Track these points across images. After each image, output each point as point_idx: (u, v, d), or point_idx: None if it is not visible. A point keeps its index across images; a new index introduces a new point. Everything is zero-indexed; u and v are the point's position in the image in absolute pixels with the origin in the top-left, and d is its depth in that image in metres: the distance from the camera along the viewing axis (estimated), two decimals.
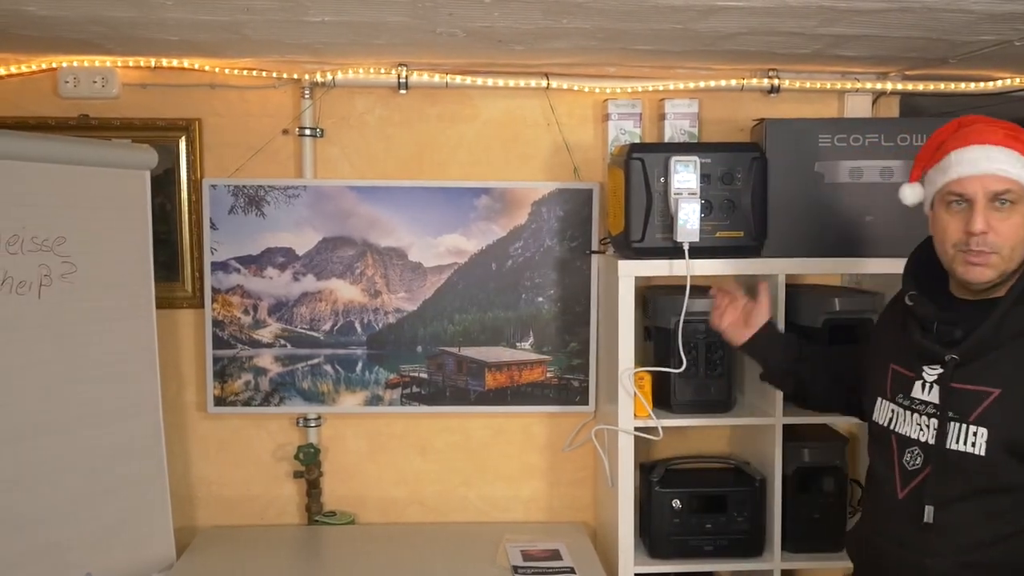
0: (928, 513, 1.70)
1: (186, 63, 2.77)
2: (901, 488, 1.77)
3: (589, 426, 2.93)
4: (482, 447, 3.02)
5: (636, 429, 2.56)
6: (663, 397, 2.61)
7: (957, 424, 1.69)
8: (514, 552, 2.68)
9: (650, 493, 2.65)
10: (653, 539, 2.63)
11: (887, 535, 1.81)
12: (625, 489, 2.57)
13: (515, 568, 2.57)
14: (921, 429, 1.75)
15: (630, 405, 2.55)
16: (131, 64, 2.77)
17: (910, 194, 1.85)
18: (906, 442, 1.78)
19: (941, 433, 1.70)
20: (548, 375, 2.94)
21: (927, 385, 1.76)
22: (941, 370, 1.73)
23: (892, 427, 1.81)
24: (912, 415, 1.77)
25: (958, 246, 1.70)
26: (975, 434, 1.67)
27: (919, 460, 1.74)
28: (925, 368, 1.76)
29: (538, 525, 2.98)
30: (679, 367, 2.53)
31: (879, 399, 1.87)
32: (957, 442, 1.69)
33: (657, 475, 2.67)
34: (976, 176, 1.67)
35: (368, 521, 3.01)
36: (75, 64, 2.76)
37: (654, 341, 2.68)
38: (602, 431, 2.78)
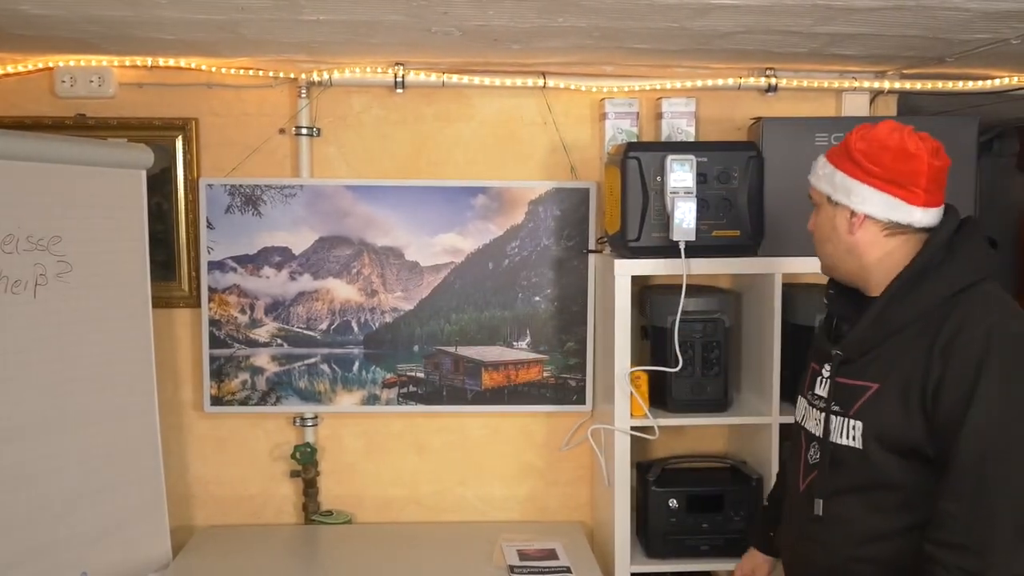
0: (818, 506, 1.78)
1: (183, 62, 2.77)
2: (802, 481, 1.87)
3: (586, 425, 2.92)
4: (479, 446, 3.02)
5: (632, 428, 2.56)
6: (660, 396, 2.60)
7: (839, 418, 1.77)
8: (510, 551, 2.68)
9: (647, 492, 2.64)
10: (650, 538, 2.63)
11: (791, 528, 1.91)
12: (622, 488, 2.57)
13: (511, 567, 2.57)
14: (817, 423, 1.84)
15: (626, 404, 2.55)
16: (128, 64, 2.77)
17: None
18: (810, 437, 1.86)
19: (826, 426, 1.79)
20: (545, 374, 2.94)
21: (823, 380, 1.85)
22: (831, 367, 1.83)
23: (803, 423, 1.90)
24: (813, 410, 1.87)
25: None
26: (853, 427, 1.75)
27: (817, 455, 1.82)
28: (825, 365, 1.85)
29: (535, 524, 2.97)
30: (675, 366, 2.53)
31: (799, 397, 1.96)
32: (840, 436, 1.77)
33: (654, 474, 2.66)
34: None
35: (365, 520, 3.01)
36: (72, 64, 2.76)
37: (651, 340, 2.68)
38: (599, 430, 2.78)
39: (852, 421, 1.75)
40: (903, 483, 1.70)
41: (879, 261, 1.77)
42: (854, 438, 1.74)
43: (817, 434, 1.82)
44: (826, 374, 1.83)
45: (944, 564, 1.60)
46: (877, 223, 1.76)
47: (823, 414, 1.81)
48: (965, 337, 1.63)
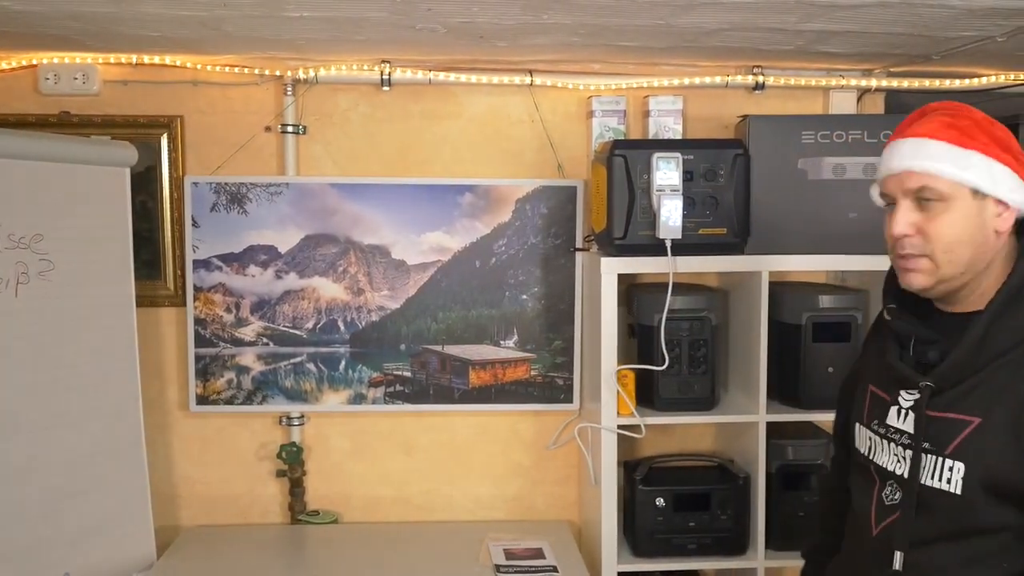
0: (897, 560, 1.50)
1: (168, 60, 2.75)
2: (876, 524, 1.58)
3: (573, 424, 2.92)
4: (466, 445, 3.01)
5: (619, 427, 2.55)
6: (647, 395, 2.60)
7: (932, 457, 1.49)
8: (497, 551, 2.67)
9: (634, 491, 2.64)
10: (637, 537, 2.62)
11: (859, 573, 1.62)
12: (608, 487, 2.56)
13: (497, 567, 2.56)
14: (898, 461, 1.55)
15: (613, 403, 2.54)
16: (112, 61, 2.75)
17: (874, 192, 1.65)
18: (886, 475, 1.57)
19: (914, 467, 1.50)
20: (532, 373, 2.93)
21: (902, 412, 1.56)
22: (917, 395, 1.53)
23: (872, 456, 1.61)
24: (889, 444, 1.58)
25: (893, 251, 1.54)
26: (951, 469, 1.47)
27: (897, 495, 1.54)
28: (902, 393, 1.56)
29: (522, 523, 2.96)
30: (662, 365, 2.52)
31: (857, 425, 1.68)
32: (931, 478, 1.49)
33: (641, 473, 2.66)
34: (896, 174, 1.51)
35: (352, 520, 2.99)
36: (56, 61, 2.74)
37: (638, 339, 2.67)
38: (586, 429, 2.77)
39: (949, 462, 1.47)
40: (1002, 527, 1.46)
41: (994, 266, 1.51)
42: (951, 481, 1.46)
43: (899, 473, 1.54)
44: (905, 404, 1.55)
45: None
46: (1013, 217, 1.49)
47: (907, 451, 1.53)
48: None
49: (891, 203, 1.53)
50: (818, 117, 2.82)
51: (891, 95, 2.95)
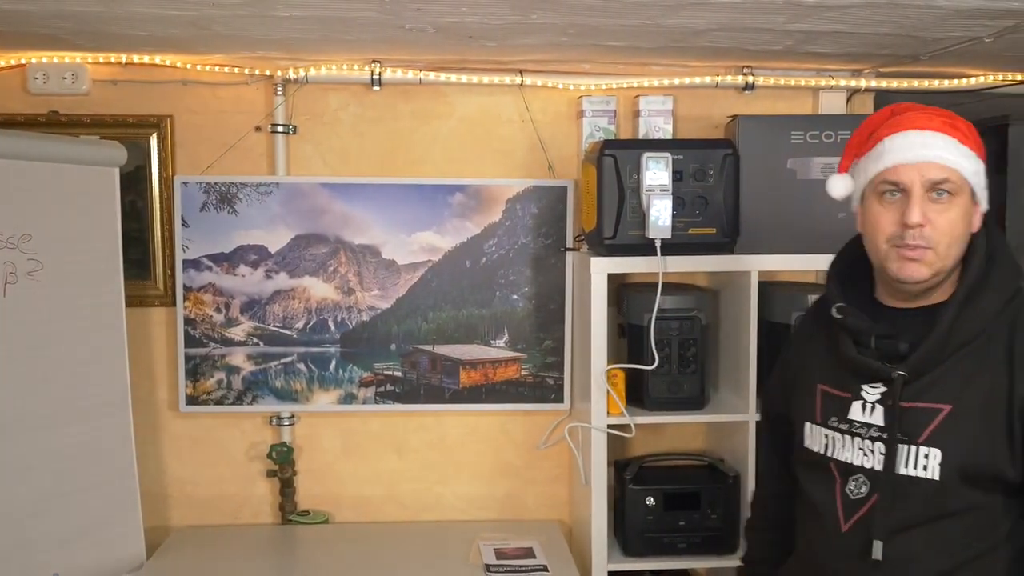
0: (877, 549, 1.52)
1: (157, 59, 2.74)
2: (845, 520, 1.59)
3: (564, 424, 2.92)
4: (457, 445, 3.01)
5: (609, 427, 2.56)
6: (637, 394, 2.60)
7: (906, 446, 1.53)
8: (487, 550, 2.67)
9: (624, 491, 2.64)
10: (627, 537, 2.63)
11: (829, 572, 1.62)
12: (599, 487, 2.56)
13: (488, 566, 2.56)
14: (865, 454, 1.58)
15: (603, 403, 2.54)
16: (102, 60, 2.75)
17: (839, 186, 1.67)
18: (848, 469, 1.60)
19: (890, 457, 1.54)
20: (523, 373, 2.93)
21: (867, 405, 1.59)
22: (884, 388, 1.57)
23: (830, 453, 1.63)
24: (852, 439, 1.60)
25: (892, 240, 1.54)
26: (927, 456, 1.51)
27: (864, 488, 1.57)
28: (864, 387, 1.59)
29: (513, 523, 2.96)
30: (652, 364, 2.52)
31: (808, 424, 1.69)
32: (906, 466, 1.53)
33: (631, 473, 2.66)
34: (913, 164, 1.52)
35: (342, 520, 2.99)
36: (44, 60, 2.73)
37: (628, 338, 2.67)
38: (576, 429, 2.78)
39: (925, 449, 1.51)
40: (971, 509, 1.52)
41: (958, 263, 1.58)
42: (927, 468, 1.51)
43: (867, 466, 1.58)
44: (871, 398, 1.58)
45: None
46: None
47: (876, 443, 1.57)
48: None
49: (894, 193, 1.55)
50: (807, 117, 2.82)
51: (880, 95, 2.96)
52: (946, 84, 2.87)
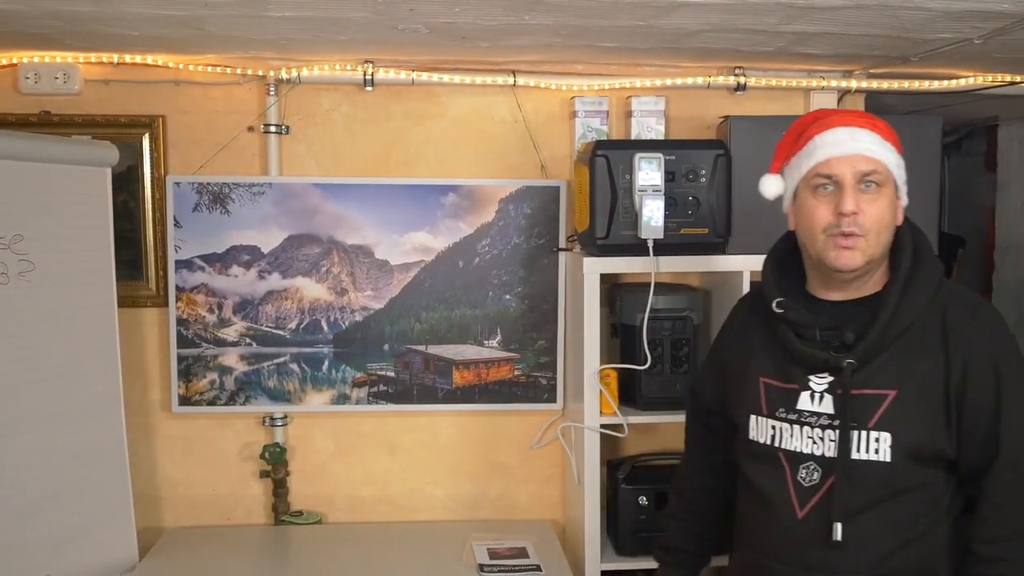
0: (837, 531, 1.60)
1: (149, 59, 2.74)
2: (800, 507, 1.66)
3: (557, 424, 2.92)
4: (450, 445, 3.01)
5: (602, 426, 2.57)
6: (629, 394, 2.61)
7: (858, 432, 1.62)
8: (480, 550, 2.67)
9: (616, 490, 2.65)
10: (620, 536, 2.64)
11: (787, 560, 1.68)
12: (591, 486, 2.57)
13: (481, 566, 2.57)
14: (815, 442, 1.65)
15: (596, 402, 2.55)
16: (94, 60, 2.74)
17: (772, 186, 1.77)
18: (798, 458, 1.67)
19: (844, 443, 1.62)
20: (516, 373, 2.94)
21: (816, 395, 1.66)
22: (831, 378, 1.65)
23: (778, 444, 1.70)
24: (801, 428, 1.67)
25: (829, 230, 1.63)
26: (877, 440, 1.61)
27: (816, 475, 1.65)
28: (811, 378, 1.67)
29: (506, 523, 2.97)
30: (645, 364, 2.53)
31: (753, 417, 1.74)
32: (859, 451, 1.61)
33: (623, 472, 2.67)
34: (844, 157, 1.63)
35: (335, 520, 2.99)
36: (36, 60, 2.73)
37: (620, 338, 2.68)
38: (569, 429, 2.78)
39: (875, 433, 1.61)
40: (918, 488, 1.62)
41: (886, 254, 1.69)
42: (879, 451, 1.60)
43: (818, 453, 1.65)
44: (819, 387, 1.66)
45: (1006, 559, 1.58)
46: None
47: (829, 431, 1.64)
48: (973, 335, 1.62)
49: (827, 187, 1.65)
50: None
51: (871, 96, 2.98)
52: (936, 85, 2.89)
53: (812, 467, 1.66)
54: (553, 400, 2.94)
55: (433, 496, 3.02)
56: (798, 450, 1.67)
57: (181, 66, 2.77)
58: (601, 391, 2.55)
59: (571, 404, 2.85)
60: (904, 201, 1.70)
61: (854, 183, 1.63)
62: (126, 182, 2.80)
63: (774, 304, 1.71)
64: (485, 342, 2.92)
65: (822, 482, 1.64)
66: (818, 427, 1.66)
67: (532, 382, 2.94)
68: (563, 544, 2.80)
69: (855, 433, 1.62)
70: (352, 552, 2.74)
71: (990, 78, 2.88)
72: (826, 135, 1.66)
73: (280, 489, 2.92)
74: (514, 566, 2.57)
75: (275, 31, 2.32)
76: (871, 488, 1.62)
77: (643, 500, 2.62)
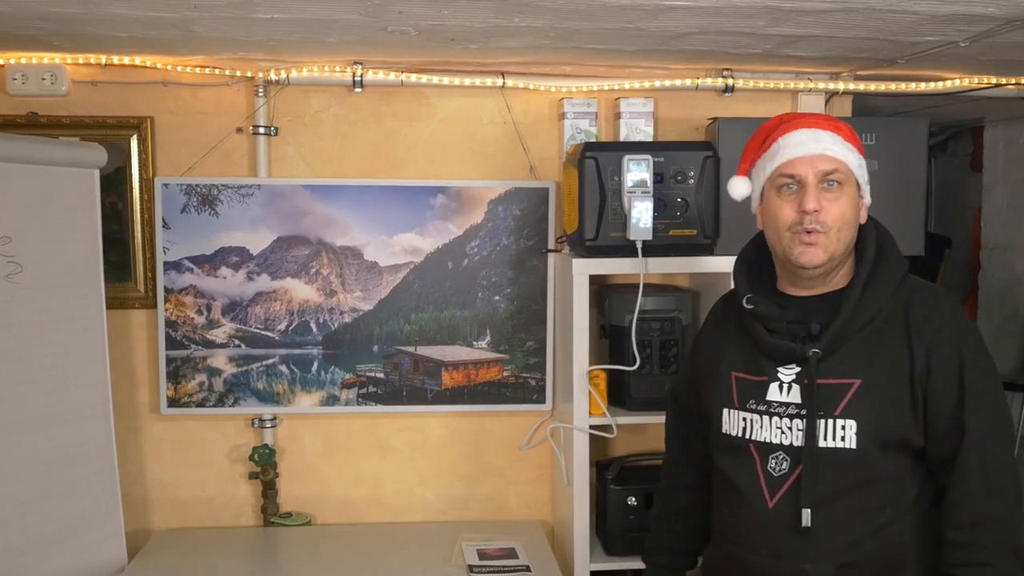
0: (806, 516, 1.66)
1: (137, 60, 2.73)
2: (770, 496, 1.71)
3: (546, 424, 2.93)
4: (440, 446, 3.01)
5: (591, 427, 2.57)
6: (618, 395, 2.62)
7: (824, 420, 1.67)
8: (470, 551, 2.68)
9: (606, 491, 2.66)
10: (609, 536, 2.65)
11: (759, 549, 1.73)
12: (580, 487, 2.58)
13: (470, 567, 2.57)
14: (783, 432, 1.71)
15: (585, 403, 2.56)
16: (81, 61, 2.73)
17: (739, 187, 1.85)
18: (768, 448, 1.72)
19: (810, 431, 1.67)
20: (505, 374, 2.94)
21: (784, 386, 1.72)
22: (798, 369, 1.71)
23: (749, 436, 1.75)
24: (771, 419, 1.73)
25: (792, 228, 1.70)
26: (843, 427, 1.66)
27: (785, 464, 1.70)
28: (780, 370, 1.73)
29: (496, 524, 2.97)
30: (633, 365, 2.54)
31: (725, 410, 1.80)
32: (825, 439, 1.67)
33: (612, 472, 2.68)
34: (806, 157, 1.69)
35: (325, 522, 2.99)
36: (23, 61, 2.71)
37: (609, 339, 2.69)
38: (558, 429, 2.79)
39: (841, 421, 1.66)
40: (886, 477, 1.67)
41: (851, 251, 1.75)
42: (845, 438, 1.66)
43: (787, 443, 1.70)
44: (787, 378, 1.72)
45: (982, 545, 1.61)
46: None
47: (797, 420, 1.69)
48: (936, 324, 1.67)
49: (791, 186, 1.71)
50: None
51: (858, 98, 2.99)
52: (923, 87, 2.91)
53: (781, 457, 1.71)
54: (542, 401, 2.95)
55: (422, 497, 3.03)
56: (768, 440, 1.73)
57: (169, 67, 2.77)
58: (590, 392, 2.56)
59: (560, 405, 2.86)
60: (867, 200, 1.76)
61: (816, 182, 1.69)
62: (114, 183, 2.79)
63: (744, 300, 1.78)
64: (474, 343, 2.93)
65: (791, 471, 1.69)
66: (786, 417, 1.71)
67: (521, 383, 2.95)
68: (552, 544, 2.81)
69: (821, 421, 1.67)
70: (341, 553, 2.74)
71: (976, 80, 2.90)
72: (789, 137, 1.72)
73: (269, 491, 2.92)
74: (503, 567, 2.58)
75: (264, 33, 2.31)
76: (838, 476, 1.66)
77: (632, 500, 2.62)
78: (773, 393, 1.73)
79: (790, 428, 1.70)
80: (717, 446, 1.84)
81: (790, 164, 1.70)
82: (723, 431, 1.80)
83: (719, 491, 1.86)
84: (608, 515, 2.65)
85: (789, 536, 1.68)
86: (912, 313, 1.69)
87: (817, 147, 1.70)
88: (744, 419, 1.76)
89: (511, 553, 2.68)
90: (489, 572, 2.55)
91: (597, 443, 2.66)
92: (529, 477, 3.03)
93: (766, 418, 1.73)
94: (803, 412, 1.69)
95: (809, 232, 1.67)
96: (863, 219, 1.76)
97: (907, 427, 1.66)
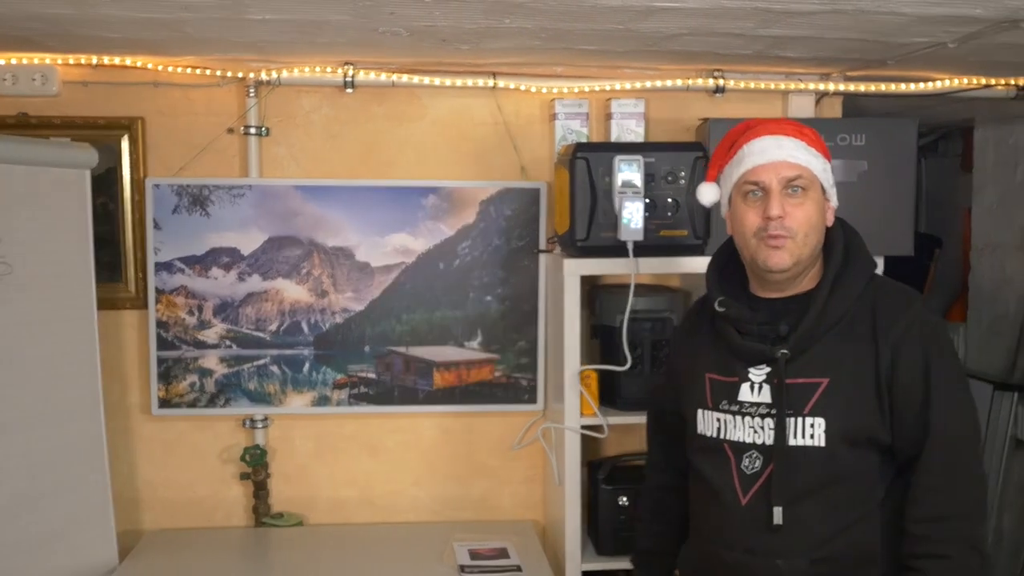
0: (777, 514, 1.70)
1: (128, 61, 2.73)
2: (743, 494, 1.75)
3: (538, 424, 2.94)
4: (431, 446, 3.02)
5: (582, 427, 2.58)
6: (609, 395, 2.63)
7: (794, 419, 1.71)
8: (462, 551, 2.68)
9: (597, 491, 2.67)
10: (600, 536, 2.65)
11: (733, 545, 1.77)
12: (572, 487, 2.58)
13: (462, 567, 2.58)
14: (756, 432, 1.75)
15: (576, 403, 2.57)
16: (72, 62, 2.72)
17: (708, 193, 1.88)
18: (741, 447, 1.77)
19: (780, 431, 1.71)
20: (497, 374, 2.94)
21: (755, 386, 1.76)
22: (768, 369, 1.75)
23: (723, 436, 1.79)
24: (743, 419, 1.77)
25: (758, 234, 1.73)
26: (812, 425, 1.70)
27: (758, 463, 1.74)
28: (751, 370, 1.77)
29: (488, 524, 2.97)
30: (625, 365, 2.55)
31: (700, 412, 1.84)
32: (796, 437, 1.71)
33: (604, 472, 2.68)
34: (770, 164, 1.73)
35: (316, 522, 2.99)
36: (14, 62, 2.71)
37: (600, 339, 2.70)
38: (550, 430, 2.80)
39: (810, 419, 1.70)
40: (854, 474, 1.71)
41: (818, 254, 1.79)
42: (814, 436, 1.70)
43: (759, 442, 1.74)
44: (757, 379, 1.76)
45: (940, 538, 1.65)
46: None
47: (768, 419, 1.73)
48: (903, 324, 1.71)
49: (756, 192, 1.74)
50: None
51: (848, 98, 3.01)
52: (912, 88, 2.92)
53: (754, 455, 1.75)
54: (534, 401, 2.95)
55: (414, 497, 3.03)
56: (741, 440, 1.77)
57: (160, 68, 2.76)
58: (581, 392, 2.56)
59: (552, 405, 2.86)
60: (833, 203, 1.79)
61: (780, 189, 1.72)
62: (105, 184, 2.78)
63: (716, 303, 1.82)
64: (466, 343, 2.93)
65: (763, 469, 1.74)
66: (758, 416, 1.75)
67: (513, 383, 2.95)
68: (544, 544, 2.82)
69: (791, 420, 1.71)
70: (333, 554, 2.74)
71: (965, 81, 2.91)
72: (753, 144, 1.75)
73: (261, 491, 2.92)
74: (495, 566, 2.58)
75: (255, 33, 2.31)
76: (809, 473, 1.70)
77: (623, 500, 2.63)
78: (744, 393, 1.77)
79: (762, 427, 1.74)
80: (693, 446, 1.88)
81: (754, 171, 1.74)
82: (698, 431, 1.84)
83: (695, 490, 1.90)
84: (600, 515, 2.65)
85: (762, 533, 1.72)
86: (879, 313, 1.73)
87: (780, 154, 1.73)
88: (718, 419, 1.80)
89: (503, 553, 2.68)
90: (481, 572, 2.55)
91: (588, 443, 2.67)
92: (520, 477, 3.04)
93: (739, 418, 1.77)
94: (773, 411, 1.73)
95: (775, 237, 1.71)
96: (830, 222, 1.79)
97: (874, 424, 1.70)
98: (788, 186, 1.72)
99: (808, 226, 1.72)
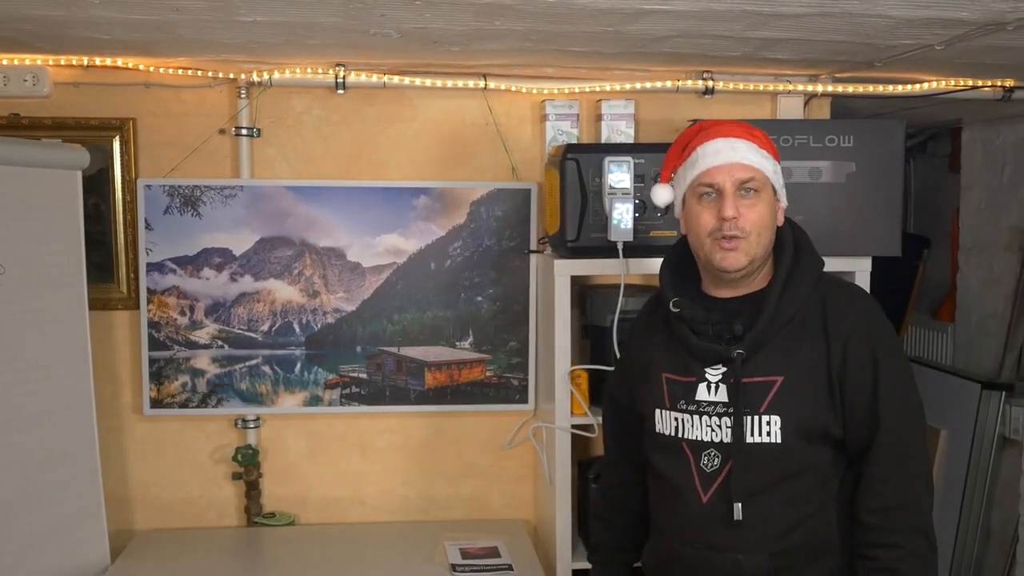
0: (737, 511, 1.73)
1: (120, 62, 2.73)
2: (704, 492, 1.79)
3: (529, 424, 2.95)
4: (423, 446, 3.03)
5: (573, 427, 2.59)
6: (600, 395, 2.62)
7: (750, 417, 1.75)
8: (453, 550, 2.69)
9: (587, 490, 2.68)
10: (591, 535, 2.66)
11: (694, 543, 1.80)
12: (563, 486, 2.60)
13: (453, 566, 2.59)
14: (713, 430, 1.78)
15: (567, 403, 2.58)
16: (63, 63, 2.73)
17: (662, 194, 1.94)
18: (700, 446, 1.80)
19: (738, 428, 1.75)
20: (488, 374, 2.96)
21: (712, 385, 1.79)
22: (724, 368, 1.78)
23: (681, 435, 1.82)
24: (701, 418, 1.80)
25: (713, 234, 1.77)
26: (768, 423, 1.74)
27: (717, 461, 1.78)
28: (707, 370, 1.80)
29: (479, 523, 2.99)
30: (615, 364, 2.56)
31: (658, 411, 1.87)
32: (752, 434, 1.74)
33: (594, 472, 2.69)
34: (723, 166, 1.77)
35: (308, 522, 3.00)
36: (5, 62, 2.71)
37: (591, 339, 2.71)
38: (540, 429, 2.81)
39: (767, 417, 1.74)
40: (810, 468, 1.76)
41: (769, 253, 1.83)
42: (770, 433, 1.74)
43: (717, 440, 1.78)
44: (714, 378, 1.79)
45: (889, 528, 1.71)
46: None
47: (725, 418, 1.77)
48: (852, 320, 1.77)
49: (710, 194, 1.78)
50: (766, 122, 2.87)
51: (837, 99, 3.03)
52: (900, 89, 2.94)
53: (712, 453, 1.78)
54: (525, 401, 2.97)
55: (406, 497, 3.04)
56: (699, 439, 1.80)
57: (151, 69, 2.77)
58: (572, 392, 2.58)
59: (542, 405, 2.87)
60: (784, 203, 1.85)
61: (733, 190, 1.76)
62: (97, 185, 2.79)
63: (671, 304, 1.84)
64: (457, 344, 2.94)
65: (722, 467, 1.77)
66: (715, 415, 1.78)
67: (504, 383, 2.96)
68: (535, 543, 2.83)
69: (748, 418, 1.75)
70: (325, 553, 2.75)
71: (952, 82, 2.94)
72: (706, 146, 1.79)
73: (253, 491, 2.93)
74: (486, 566, 2.59)
75: (246, 35, 2.32)
76: (766, 469, 1.74)
77: None
78: (702, 393, 1.80)
79: (719, 426, 1.78)
80: (652, 445, 1.91)
81: (708, 173, 1.78)
82: (657, 431, 1.87)
83: (655, 489, 1.93)
84: (590, 514, 2.66)
85: (723, 529, 1.76)
86: (829, 310, 1.77)
87: (734, 156, 1.76)
88: (676, 419, 1.83)
89: (493, 552, 2.69)
90: (472, 571, 2.57)
91: (579, 442, 2.68)
92: (512, 476, 3.05)
93: (696, 417, 1.80)
94: (730, 410, 1.77)
95: (729, 238, 1.75)
96: (780, 221, 1.84)
97: (827, 419, 1.74)
98: (741, 187, 1.76)
99: (761, 226, 1.77)
